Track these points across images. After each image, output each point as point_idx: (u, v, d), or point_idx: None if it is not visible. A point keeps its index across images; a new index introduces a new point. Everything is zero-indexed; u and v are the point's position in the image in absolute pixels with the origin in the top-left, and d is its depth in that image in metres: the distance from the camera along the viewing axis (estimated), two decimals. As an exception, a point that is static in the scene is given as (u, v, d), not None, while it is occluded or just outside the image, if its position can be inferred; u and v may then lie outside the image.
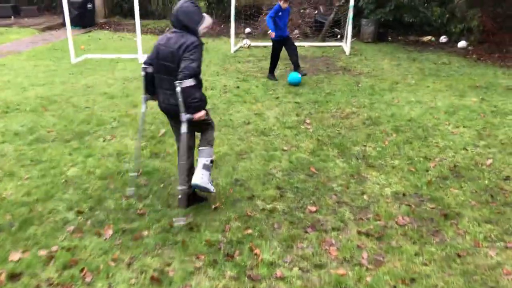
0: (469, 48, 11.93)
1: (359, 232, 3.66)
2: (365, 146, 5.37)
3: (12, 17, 16.12)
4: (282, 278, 3.11)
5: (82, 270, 3.14)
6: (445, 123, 6.04)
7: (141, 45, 9.99)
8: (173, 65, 3.50)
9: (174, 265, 3.22)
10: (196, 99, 3.49)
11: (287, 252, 3.40)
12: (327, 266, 3.24)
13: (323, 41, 13.03)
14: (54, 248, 3.38)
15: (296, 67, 8.30)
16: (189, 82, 3.40)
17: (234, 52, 11.43)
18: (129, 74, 8.73)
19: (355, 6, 11.19)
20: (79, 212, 3.89)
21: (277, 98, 7.29)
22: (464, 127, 5.90)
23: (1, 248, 3.37)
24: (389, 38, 13.38)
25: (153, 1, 16.38)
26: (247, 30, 14.48)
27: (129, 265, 3.23)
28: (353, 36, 11.76)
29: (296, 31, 13.98)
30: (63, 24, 10.02)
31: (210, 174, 3.93)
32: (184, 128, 3.57)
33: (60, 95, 7.22)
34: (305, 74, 8.27)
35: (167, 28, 14.92)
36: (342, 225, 3.77)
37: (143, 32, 13.77)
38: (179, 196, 4.00)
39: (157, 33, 14.37)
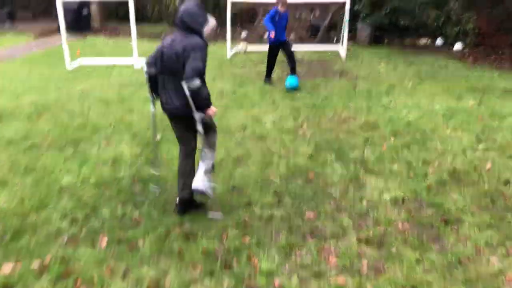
0: (465, 50, 11.94)
1: (358, 239, 3.60)
2: (363, 150, 5.31)
3: (7, 22, 16.03)
4: (281, 288, 3.05)
5: (76, 281, 3.07)
6: (443, 127, 6.01)
7: (137, 50, 9.93)
8: (178, 66, 3.48)
9: (170, 275, 3.15)
10: (205, 97, 3.53)
11: (286, 260, 3.34)
12: (326, 275, 3.18)
13: (319, 45, 12.99)
14: (48, 258, 3.30)
15: (293, 74, 8.23)
16: (197, 82, 3.39)
17: (230, 56, 11.39)
18: (125, 79, 8.67)
19: (350, 9, 11.17)
20: (74, 221, 3.82)
21: (274, 102, 7.24)
22: (462, 130, 5.87)
23: (-7, 259, 3.30)
24: (385, 42, 13.37)
25: (149, 6, 16.33)
26: (243, 34, 14.45)
27: (124, 275, 3.15)
28: (349, 40, 11.75)
29: (292, 35, 13.95)
30: (58, 30, 9.93)
31: (211, 178, 3.91)
32: (200, 128, 3.63)
33: (54, 101, 7.14)
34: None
35: (163, 33, 14.88)
36: (341, 232, 3.71)
37: (139, 37, 13.70)
38: (177, 202, 3.95)
39: (153, 37, 14.30)
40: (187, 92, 3.43)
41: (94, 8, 15.62)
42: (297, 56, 10.80)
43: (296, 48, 10.16)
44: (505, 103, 7.05)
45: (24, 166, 4.83)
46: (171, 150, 5.19)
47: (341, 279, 3.12)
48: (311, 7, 14.85)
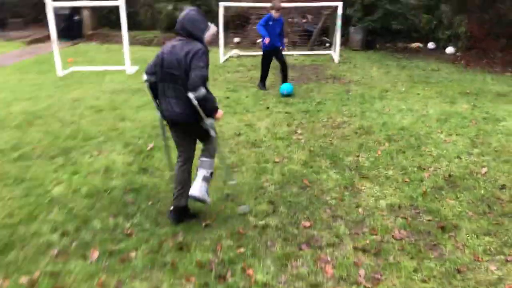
0: (457, 54, 11.98)
1: (355, 248, 3.54)
2: (357, 156, 5.27)
3: (-2, 30, 15.92)
4: (277, 300, 2.98)
5: (66, 297, 2.99)
6: (437, 131, 5.98)
7: (129, 56, 9.86)
8: (179, 72, 3.44)
9: (164, 289, 3.08)
10: (212, 103, 3.54)
11: (281, 271, 3.27)
12: (323, 286, 3.11)
13: (312, 49, 12.99)
14: (37, 273, 3.21)
15: (285, 81, 8.19)
16: (202, 91, 3.39)
17: (223, 62, 11.34)
18: (117, 86, 8.59)
19: (343, 14, 11.18)
20: (64, 234, 3.73)
21: (268, 108, 7.19)
22: (456, 134, 5.84)
23: (-20, 275, 3.21)
24: (378, 46, 13.40)
25: (141, 12, 16.26)
26: (236, 39, 14.42)
27: (116, 290, 3.07)
28: (341, 44, 11.75)
29: (285, 40, 13.92)
30: (50, 37, 9.84)
31: (208, 186, 3.87)
32: (212, 132, 3.65)
33: (45, 110, 7.05)
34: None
35: (156, 39, 14.82)
36: (338, 241, 3.65)
37: (131, 43, 13.63)
38: (171, 209, 3.88)
39: (145, 44, 14.27)
40: (194, 102, 3.41)
41: (85, 15, 15.55)
42: (290, 61, 10.81)
43: (289, 53, 10.13)
44: (499, 107, 7.05)
45: (14, 176, 4.73)
46: (164, 159, 5.12)
47: (338, 290, 3.06)
48: (304, 11, 14.86)
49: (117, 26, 9.85)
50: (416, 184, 4.58)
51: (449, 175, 4.73)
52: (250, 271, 3.24)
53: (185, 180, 3.84)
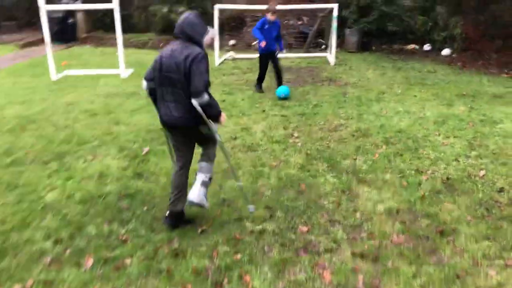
0: (453, 55, 11.99)
1: (353, 253, 3.50)
2: (355, 159, 5.23)
3: (-9, 33, 15.80)
4: (274, 308, 2.93)
5: (59, 306, 2.92)
6: (435, 134, 5.95)
7: (123, 59, 9.79)
8: (178, 76, 3.42)
9: (159, 297, 3.02)
10: (216, 107, 3.57)
11: (279, 278, 3.22)
12: (321, 293, 3.07)
13: (308, 51, 12.97)
14: (30, 282, 3.15)
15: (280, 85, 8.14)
16: (206, 97, 3.42)
17: (219, 64, 11.30)
18: (111, 89, 8.52)
19: (338, 16, 11.16)
20: (58, 241, 3.66)
21: (264, 111, 7.14)
22: (454, 137, 5.82)
23: (-29, 284, 3.14)
24: (373, 47, 13.39)
25: (136, 15, 16.19)
26: (231, 42, 14.38)
27: (110, 298, 3.01)
28: (337, 46, 11.73)
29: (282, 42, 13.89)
30: (43, 40, 9.76)
31: (207, 191, 3.84)
32: (218, 137, 3.71)
33: (39, 114, 6.97)
34: None
35: (150, 42, 14.75)
36: (335, 246, 3.60)
37: (126, 46, 13.56)
38: (167, 214, 3.83)
39: (140, 46, 14.20)
40: (198, 108, 3.43)
41: (79, 18, 15.46)
42: (286, 64, 10.78)
43: (285, 55, 10.09)
44: (495, 109, 7.04)
45: (6, 182, 4.66)
46: (159, 163, 5.08)
47: (336, 297, 3.01)
48: (299, 14, 14.84)
49: (112, 29, 9.78)
50: (414, 187, 4.54)
51: (447, 178, 4.70)
52: (247, 278, 3.19)
53: (182, 185, 3.81)
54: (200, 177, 3.80)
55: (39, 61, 11.57)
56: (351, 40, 13.05)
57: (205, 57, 3.47)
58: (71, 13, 14.56)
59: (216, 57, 11.35)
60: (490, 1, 11.48)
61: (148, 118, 6.65)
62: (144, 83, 3.67)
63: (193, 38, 3.51)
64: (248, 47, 13.68)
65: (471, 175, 4.78)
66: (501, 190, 4.47)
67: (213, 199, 4.29)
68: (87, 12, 15.75)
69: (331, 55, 11.50)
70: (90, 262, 3.39)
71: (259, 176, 4.80)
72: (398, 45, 13.61)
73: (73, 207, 4.19)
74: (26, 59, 12.21)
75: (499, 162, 5.07)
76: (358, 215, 4.06)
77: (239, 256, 3.46)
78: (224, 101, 7.69)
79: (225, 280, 3.18)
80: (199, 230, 3.80)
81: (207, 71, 3.48)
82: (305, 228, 3.84)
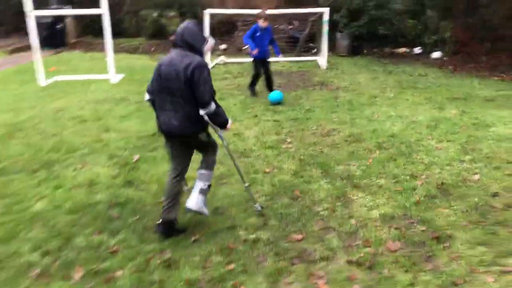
0: (444, 58, 12.04)
1: (348, 262, 3.44)
2: (349, 165, 5.18)
3: (-21, 39, 15.59)
4: (269, 320, 2.86)
5: (47, 322, 2.83)
6: (428, 138, 5.92)
7: (113, 65, 9.68)
8: (178, 84, 3.44)
9: (151, 311, 2.94)
10: (223, 115, 3.68)
11: (274, 288, 3.15)
12: (317, 303, 3.00)
13: (299, 56, 12.95)
14: (16, 297, 3.06)
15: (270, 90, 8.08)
16: (213, 106, 3.52)
17: (210, 69, 11.21)
18: (101, 95, 8.40)
19: (329, 20, 11.16)
20: (46, 253, 3.57)
21: (256, 116, 7.08)
22: (447, 141, 5.79)
23: (-45, 300, 3.03)
24: (364, 51, 13.41)
25: (126, 19, 16.09)
26: (222, 46, 14.33)
27: (100, 313, 2.92)
28: (328, 50, 11.72)
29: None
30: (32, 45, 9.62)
31: (206, 198, 3.84)
32: (225, 143, 3.90)
33: (27, 121, 6.84)
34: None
35: (141, 47, 14.65)
36: (331, 254, 3.54)
37: (116, 51, 13.44)
38: (159, 222, 3.76)
39: (130, 51, 14.08)
40: (205, 118, 3.53)
41: (69, 23, 15.31)
42: (277, 68, 10.74)
43: (276, 59, 10.04)
44: (487, 112, 7.04)
45: (-7, 192, 4.55)
46: (150, 170, 5.00)
47: (333, 308, 2.95)
48: (290, 18, 14.83)
49: (101, 34, 9.67)
50: (409, 192, 4.50)
51: (442, 183, 4.66)
52: (241, 289, 3.12)
53: (176, 193, 3.78)
54: (199, 185, 3.80)
55: (28, 67, 11.40)
56: (342, 44, 13.06)
57: (207, 66, 3.53)
58: (60, 18, 14.40)
59: (208, 62, 11.28)
60: (479, 4, 11.56)
61: (138, 124, 6.56)
62: (146, 96, 3.71)
63: (193, 46, 3.54)
64: (239, 51, 13.64)
65: (465, 179, 4.75)
66: (495, 194, 4.43)
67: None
68: (77, 17, 15.61)
69: (322, 59, 11.48)
70: (79, 274, 3.30)
71: (252, 183, 4.73)
72: (389, 48, 13.65)
73: (62, 217, 4.09)
74: (14, 65, 12.05)
75: (492, 166, 5.04)
76: (353, 221, 4.00)
77: (232, 266, 3.39)
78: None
79: (219, 292, 3.11)
80: (192, 240, 3.73)
81: (210, 79, 3.54)
82: (299, 236, 3.78)
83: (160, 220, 3.78)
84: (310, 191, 4.57)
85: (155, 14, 15.78)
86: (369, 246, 3.63)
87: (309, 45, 13.82)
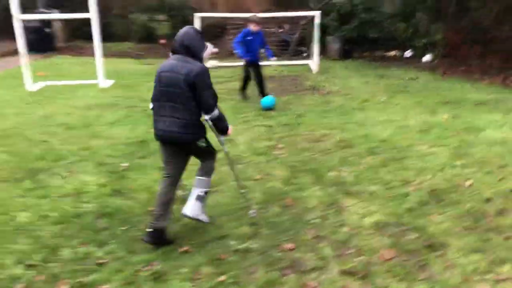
0: (435, 62, 12.07)
1: (341, 271, 3.37)
2: (340, 171, 5.13)
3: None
4: (261, 335, 2.78)
5: None
6: (419, 143, 5.89)
7: (102, 69, 9.56)
8: (179, 91, 3.44)
9: (139, 327, 2.85)
10: (225, 121, 3.74)
11: (265, 301, 3.08)
12: (310, 316, 2.93)
13: (290, 59, 12.92)
14: (-1, 313, 2.95)
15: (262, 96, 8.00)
16: (217, 111, 3.58)
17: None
18: (90, 101, 8.29)
19: (320, 23, 11.14)
20: (30, 266, 3.45)
21: (247, 121, 7.01)
22: (439, 146, 5.77)
23: None
24: (355, 55, 13.42)
25: (115, 23, 15.96)
26: (214, 50, 14.26)
27: (86, 329, 2.83)
28: (319, 54, 11.70)
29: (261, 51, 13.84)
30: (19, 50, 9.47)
31: (203, 205, 3.80)
32: (225, 149, 3.98)
33: (13, 128, 6.71)
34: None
35: (130, 49, 14.54)
36: (323, 264, 3.47)
37: (105, 55, 13.31)
38: (149, 230, 3.67)
39: (120, 55, 13.96)
40: (209, 123, 3.59)
41: (57, 27, 15.15)
42: (268, 72, 10.68)
43: (267, 63, 9.99)
44: (479, 116, 7.04)
45: (-24, 203, 4.43)
46: (139, 179, 4.90)
47: (326, 320, 2.88)
48: (280, 21, 14.81)
49: (91, 38, 9.55)
50: (401, 199, 4.46)
51: (434, 189, 4.62)
52: (232, 302, 3.04)
53: (169, 200, 3.72)
54: (196, 192, 3.78)
55: (15, 72, 11.23)
56: (333, 48, 13.06)
57: (208, 71, 3.52)
58: (48, 22, 14.23)
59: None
60: (469, 7, 11.61)
61: (127, 130, 6.47)
62: (151, 105, 3.70)
63: (193, 52, 3.54)
64: (230, 55, 13.57)
65: (457, 185, 4.72)
66: (488, 200, 4.41)
67: (195, 216, 4.12)
68: (65, 21, 15.46)
69: (313, 63, 11.45)
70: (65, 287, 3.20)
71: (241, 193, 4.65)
72: (379, 52, 13.67)
73: (47, 228, 3.98)
74: (1, 70, 11.87)
75: (484, 171, 5.02)
76: (345, 229, 3.94)
77: (223, 277, 3.30)
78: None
79: (209, 305, 3.02)
80: (181, 250, 3.64)
81: (212, 85, 3.55)
82: (291, 245, 3.71)
83: (149, 229, 3.69)
84: (301, 198, 4.51)
85: (144, 18, 15.69)
86: (362, 255, 3.57)
87: (300, 48, 13.79)
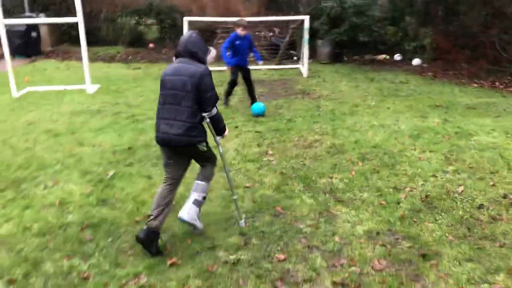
0: (424, 65, 12.08)
1: (333, 283, 3.29)
2: (331, 177, 5.05)
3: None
4: None
5: None
6: (410, 148, 5.83)
7: (89, 74, 9.40)
8: (183, 93, 3.51)
9: None
10: (223, 122, 3.84)
11: (256, 316, 2.98)
12: (301, 331, 2.84)
13: (280, 63, 12.85)
14: (-24, 334, 2.81)
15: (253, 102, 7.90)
16: (215, 110, 3.67)
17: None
18: (76, 107, 8.12)
19: (309, 27, 11.09)
20: (11, 281, 3.32)
21: (237, 127, 6.91)
22: (430, 151, 5.71)
23: None
24: (345, 58, 13.40)
25: (103, 27, 15.78)
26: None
27: None
28: (309, 57, 11.64)
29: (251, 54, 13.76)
30: (3, 55, 9.27)
31: (199, 210, 3.78)
32: (220, 149, 3.97)
33: (-4, 135, 6.53)
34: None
35: (118, 53, 14.37)
36: (315, 275, 3.39)
37: (93, 60, 13.16)
38: (144, 228, 3.63)
39: (108, 60, 13.79)
40: (207, 120, 3.64)
41: (44, 31, 14.92)
42: (258, 76, 10.61)
43: (257, 67, 9.91)
44: (469, 120, 7.00)
45: (-44, 215, 4.27)
46: (126, 188, 4.77)
47: (318, 336, 2.78)
48: (270, 25, 14.75)
49: (78, 42, 9.37)
50: (393, 206, 4.39)
51: (426, 196, 4.56)
52: (221, 318, 2.94)
53: (168, 202, 3.71)
54: (194, 196, 3.79)
55: (0, 77, 11.03)
56: (323, 51, 13.01)
57: (210, 73, 3.63)
58: (34, 27, 14.01)
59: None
60: (458, 11, 11.64)
61: (114, 137, 6.33)
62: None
63: (197, 56, 3.63)
64: (219, 58, 13.45)
65: (449, 191, 4.66)
66: (480, 206, 4.36)
67: (184, 226, 4.01)
68: (53, 25, 15.24)
69: (303, 67, 11.40)
70: (46, 305, 3.07)
71: (233, 199, 4.54)
72: (369, 55, 13.66)
73: (29, 241, 3.84)
74: (-14, 75, 11.61)
75: (476, 177, 4.97)
76: (337, 239, 3.86)
77: (212, 291, 3.20)
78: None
79: (197, 321, 2.92)
80: (169, 263, 3.53)
81: (214, 86, 3.66)
82: (282, 256, 3.61)
83: (145, 227, 3.64)
84: (292, 206, 4.42)
85: (132, 22, 15.54)
86: (355, 265, 3.49)
87: (290, 52, 13.74)
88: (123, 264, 3.53)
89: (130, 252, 3.68)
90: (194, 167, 4.01)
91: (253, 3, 15.40)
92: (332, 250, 3.71)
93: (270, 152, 5.84)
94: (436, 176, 5.01)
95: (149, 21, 15.97)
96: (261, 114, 7.47)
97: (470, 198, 4.52)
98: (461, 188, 4.70)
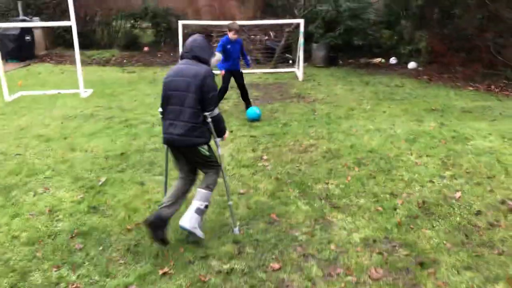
0: (419, 69, 12.06)
1: (329, 293, 3.21)
2: (327, 183, 4.98)
3: None
4: None
5: None
6: (407, 153, 5.77)
7: (83, 78, 9.30)
8: (186, 94, 3.56)
9: None
10: (223, 123, 3.87)
11: (249, 328, 2.89)
12: None
13: (275, 67, 12.79)
14: None
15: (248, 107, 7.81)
16: (217, 111, 3.72)
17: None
18: (69, 111, 8.01)
19: (304, 31, 11.04)
20: (-3, 293, 3.23)
21: (231, 131, 6.82)
22: (427, 156, 5.65)
23: None
24: (340, 62, 13.35)
25: (98, 31, 15.68)
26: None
27: None
28: (304, 61, 11.59)
29: (248, 58, 13.68)
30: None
31: (201, 219, 3.80)
32: (219, 151, 3.92)
33: (-14, 141, 6.43)
34: None
35: (113, 57, 14.26)
36: (310, 285, 3.31)
37: (88, 63, 13.06)
38: (155, 213, 3.67)
39: (102, 64, 13.68)
40: (208, 120, 3.65)
41: (38, 34, 14.80)
42: (253, 80, 10.55)
43: (252, 70, 9.86)
44: (465, 124, 6.95)
45: None
46: (117, 195, 4.68)
47: None
48: (266, 28, 14.69)
49: (73, 45, 9.26)
50: (390, 213, 4.32)
51: (423, 202, 4.50)
52: (214, 331, 2.85)
53: (184, 192, 3.83)
54: (195, 204, 3.75)
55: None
56: (318, 55, 12.96)
57: (213, 75, 3.68)
58: (28, 30, 13.88)
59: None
60: (453, 14, 11.62)
61: (107, 142, 6.23)
62: (160, 109, 3.75)
63: (202, 58, 3.70)
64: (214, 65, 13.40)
65: (447, 197, 4.60)
66: (478, 213, 4.29)
67: (176, 234, 3.93)
68: (47, 29, 15.13)
69: (299, 71, 11.34)
70: (33, 318, 2.97)
71: (227, 206, 4.46)
72: (365, 59, 13.62)
73: (18, 250, 3.75)
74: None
75: (473, 182, 4.91)
76: (332, 247, 3.78)
77: (204, 302, 3.12)
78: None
79: (189, 334, 2.83)
80: (160, 272, 3.44)
81: (216, 87, 3.74)
82: (276, 265, 3.53)
83: (157, 212, 3.67)
84: (287, 213, 4.34)
85: (127, 25, 15.45)
86: (351, 275, 3.42)
87: (285, 56, 13.68)
88: (114, 273, 3.44)
89: (121, 261, 3.59)
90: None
91: (249, 7, 15.36)
92: (328, 258, 3.63)
93: (265, 157, 5.76)
94: (433, 182, 4.95)
95: (144, 24, 15.87)
96: (256, 119, 7.40)
97: (467, 204, 4.47)
98: (458, 194, 4.64)
